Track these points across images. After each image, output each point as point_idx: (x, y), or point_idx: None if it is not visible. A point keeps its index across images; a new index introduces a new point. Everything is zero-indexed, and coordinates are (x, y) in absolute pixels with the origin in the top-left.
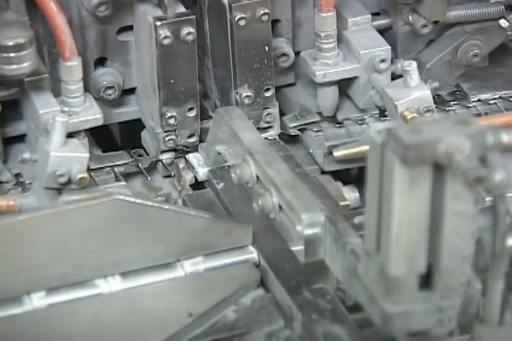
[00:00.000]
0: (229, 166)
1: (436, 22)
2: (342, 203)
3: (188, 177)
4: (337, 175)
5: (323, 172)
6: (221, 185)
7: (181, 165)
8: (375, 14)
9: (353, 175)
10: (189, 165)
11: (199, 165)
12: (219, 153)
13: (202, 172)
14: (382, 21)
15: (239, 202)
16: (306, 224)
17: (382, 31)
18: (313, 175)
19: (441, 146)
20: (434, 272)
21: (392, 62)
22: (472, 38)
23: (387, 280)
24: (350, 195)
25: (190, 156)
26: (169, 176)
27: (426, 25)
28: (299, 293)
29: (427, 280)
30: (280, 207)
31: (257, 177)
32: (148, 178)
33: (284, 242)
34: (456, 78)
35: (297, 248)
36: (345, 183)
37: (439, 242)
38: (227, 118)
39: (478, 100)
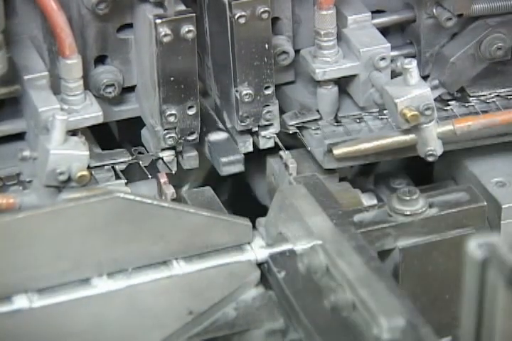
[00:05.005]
0: (291, 251)
1: (460, 15)
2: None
3: (170, 192)
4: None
5: (341, 179)
6: (283, 274)
7: (163, 180)
8: (375, 12)
9: (352, 172)
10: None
11: (256, 246)
12: (280, 233)
13: (260, 255)
14: (405, 15)
15: (304, 294)
16: (385, 328)
17: (406, 24)
18: (314, 174)
19: None
20: None
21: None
22: (495, 32)
23: None
24: (368, 202)
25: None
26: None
27: (450, 19)
28: None
29: None
30: (354, 305)
31: (327, 268)
32: (149, 176)
33: None
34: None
35: None
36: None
37: None
38: (292, 199)
39: (478, 98)
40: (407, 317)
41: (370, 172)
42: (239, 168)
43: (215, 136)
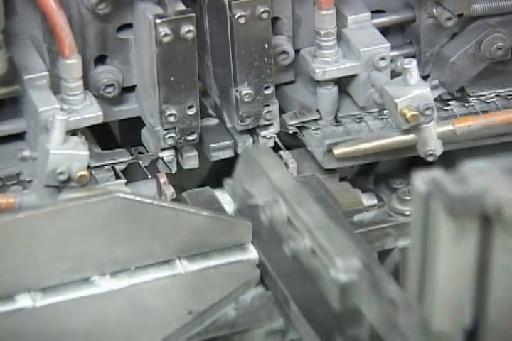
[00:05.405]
0: (257, 205)
1: (460, 15)
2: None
3: (169, 192)
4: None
5: (341, 179)
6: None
7: (162, 180)
8: (375, 12)
9: (353, 172)
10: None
11: (225, 201)
12: (246, 191)
13: (228, 210)
14: (405, 15)
15: (268, 243)
16: (341, 270)
17: (406, 24)
18: (314, 174)
19: (489, 198)
20: (481, 328)
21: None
22: (495, 31)
23: (431, 335)
24: (368, 202)
25: (217, 194)
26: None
27: (450, 18)
28: (331, 339)
29: (472, 336)
30: (313, 250)
31: (288, 218)
32: (149, 176)
33: (316, 287)
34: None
35: (331, 294)
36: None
37: (487, 297)
38: (256, 157)
39: (478, 98)
40: (363, 259)
41: (370, 172)
42: (229, 153)
43: (206, 122)
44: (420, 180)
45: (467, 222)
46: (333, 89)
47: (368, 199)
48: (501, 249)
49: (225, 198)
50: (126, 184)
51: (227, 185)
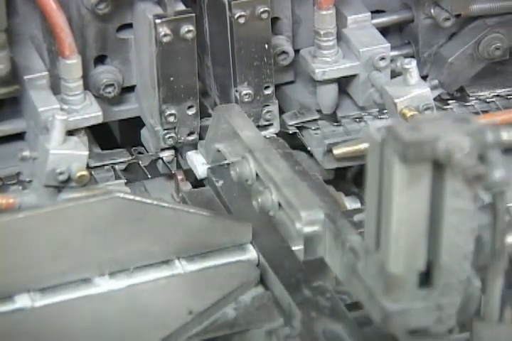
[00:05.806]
0: (228, 164)
1: (458, 15)
2: None
3: (187, 189)
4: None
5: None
6: (220, 182)
7: (180, 177)
8: (375, 12)
9: (352, 172)
10: (189, 163)
11: (198, 162)
12: (218, 151)
13: (201, 170)
14: (403, 15)
15: (238, 199)
16: (305, 222)
17: (404, 25)
18: (314, 173)
19: (440, 144)
20: (434, 270)
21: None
22: (494, 32)
23: (387, 278)
24: (351, 205)
25: (190, 154)
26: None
27: (448, 19)
28: (298, 290)
29: (426, 278)
30: (279, 204)
31: (257, 174)
32: (149, 176)
33: (283, 240)
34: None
35: (297, 246)
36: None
37: (439, 240)
38: (227, 116)
39: (477, 98)
40: (326, 211)
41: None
42: None
43: (206, 122)
44: (375, 127)
45: (420, 168)
46: (333, 85)
47: (351, 203)
48: (451, 193)
49: (198, 159)
50: (126, 184)
51: (200, 145)
